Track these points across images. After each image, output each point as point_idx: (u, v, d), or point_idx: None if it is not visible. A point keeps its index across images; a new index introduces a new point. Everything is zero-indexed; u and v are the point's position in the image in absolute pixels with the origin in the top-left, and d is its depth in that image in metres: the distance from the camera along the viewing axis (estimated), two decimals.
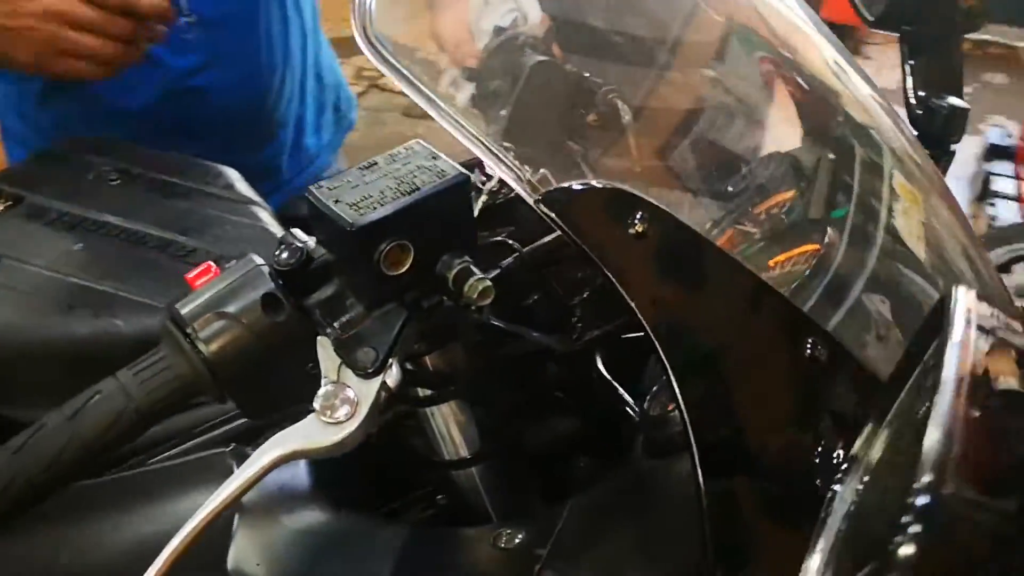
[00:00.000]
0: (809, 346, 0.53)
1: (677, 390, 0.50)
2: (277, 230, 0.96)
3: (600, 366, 0.79)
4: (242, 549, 0.67)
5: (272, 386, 0.60)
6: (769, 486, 0.53)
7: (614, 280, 0.51)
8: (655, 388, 0.64)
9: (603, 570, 0.61)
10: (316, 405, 0.58)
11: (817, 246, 0.63)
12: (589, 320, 0.76)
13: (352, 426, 0.57)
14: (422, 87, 0.55)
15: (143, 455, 0.80)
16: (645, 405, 0.63)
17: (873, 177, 0.65)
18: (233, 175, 1.04)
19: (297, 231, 0.62)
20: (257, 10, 1.24)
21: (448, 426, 0.72)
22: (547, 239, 0.69)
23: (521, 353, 0.75)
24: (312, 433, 0.57)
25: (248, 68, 1.26)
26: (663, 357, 0.51)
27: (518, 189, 0.51)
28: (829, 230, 0.63)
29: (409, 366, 0.69)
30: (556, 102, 0.83)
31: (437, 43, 1.11)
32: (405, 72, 0.56)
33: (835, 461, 0.52)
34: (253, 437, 0.78)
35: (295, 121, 1.37)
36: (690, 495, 0.58)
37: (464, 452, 0.73)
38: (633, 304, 0.51)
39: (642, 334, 0.80)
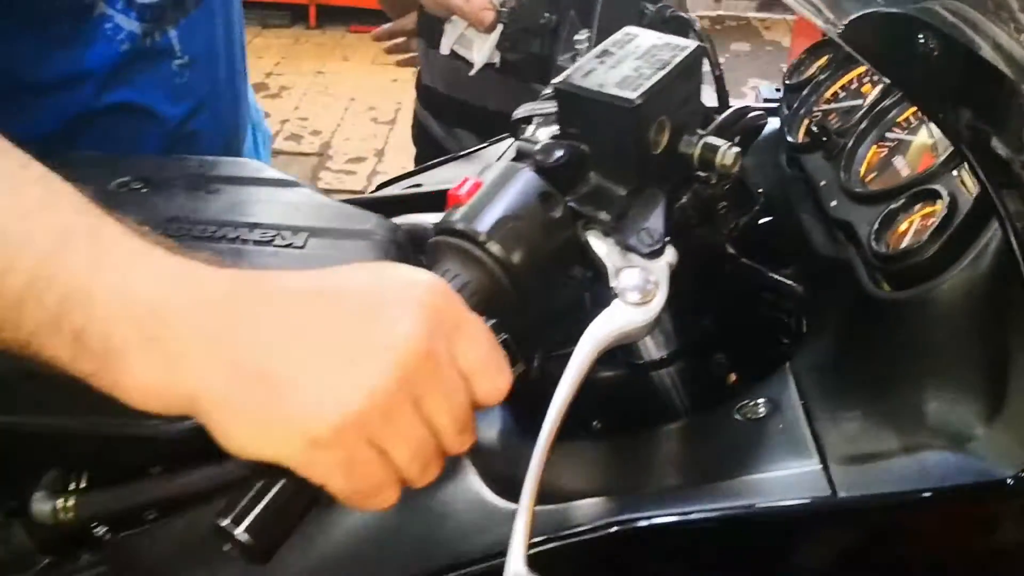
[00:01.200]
0: None
1: (995, 195, 0.54)
2: (337, 204, 0.93)
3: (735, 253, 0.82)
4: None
5: (548, 290, 0.60)
6: None
7: (917, 100, 0.54)
8: (875, 228, 0.67)
9: (896, 426, 0.63)
10: (617, 290, 0.58)
11: None
12: (733, 209, 0.79)
13: (659, 303, 0.58)
14: None
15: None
16: (872, 244, 0.67)
17: None
18: (257, 163, 0.99)
19: (528, 135, 0.62)
20: (233, 40, 1.20)
21: None
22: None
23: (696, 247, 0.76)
24: (623, 317, 0.57)
25: (227, 103, 1.21)
26: (974, 164, 0.55)
27: (821, 24, 0.54)
28: None
29: None
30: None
31: (437, 5, 1.11)
32: None
33: None
34: None
35: (247, 148, 1.32)
36: (957, 311, 0.63)
37: (660, 352, 0.74)
38: (939, 119, 0.54)
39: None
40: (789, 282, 0.79)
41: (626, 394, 0.78)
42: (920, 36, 0.55)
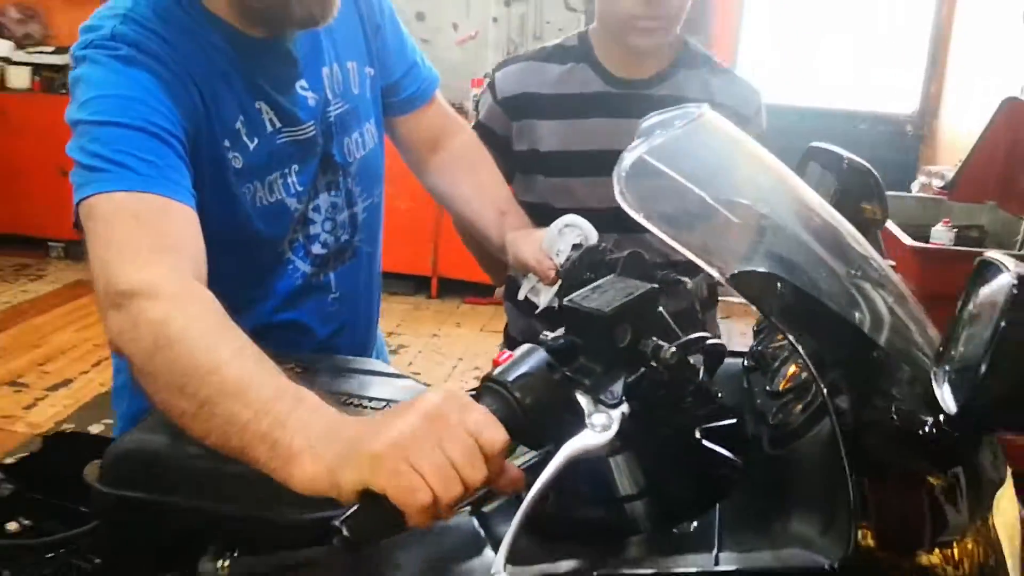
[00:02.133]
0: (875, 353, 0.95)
1: (822, 389, 0.90)
2: (422, 386, 1.33)
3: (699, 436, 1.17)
4: None
5: (546, 424, 0.96)
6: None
7: (775, 323, 0.92)
8: (774, 411, 1.03)
9: (770, 535, 0.96)
10: (588, 424, 0.95)
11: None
12: (696, 404, 1.15)
13: (612, 433, 0.94)
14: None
15: None
16: (771, 420, 1.02)
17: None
18: (380, 362, 1.41)
19: (546, 334, 1.01)
20: (371, 286, 1.68)
21: (626, 470, 1.08)
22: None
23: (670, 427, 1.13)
24: (589, 439, 0.94)
25: (361, 328, 1.69)
26: (810, 369, 0.91)
27: (715, 274, 0.93)
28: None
29: None
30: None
31: (519, 265, 1.55)
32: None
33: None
34: None
35: None
36: (816, 462, 0.97)
37: (634, 489, 1.08)
38: (787, 337, 0.91)
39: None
40: (732, 456, 1.14)
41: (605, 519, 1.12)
42: (778, 284, 0.93)
